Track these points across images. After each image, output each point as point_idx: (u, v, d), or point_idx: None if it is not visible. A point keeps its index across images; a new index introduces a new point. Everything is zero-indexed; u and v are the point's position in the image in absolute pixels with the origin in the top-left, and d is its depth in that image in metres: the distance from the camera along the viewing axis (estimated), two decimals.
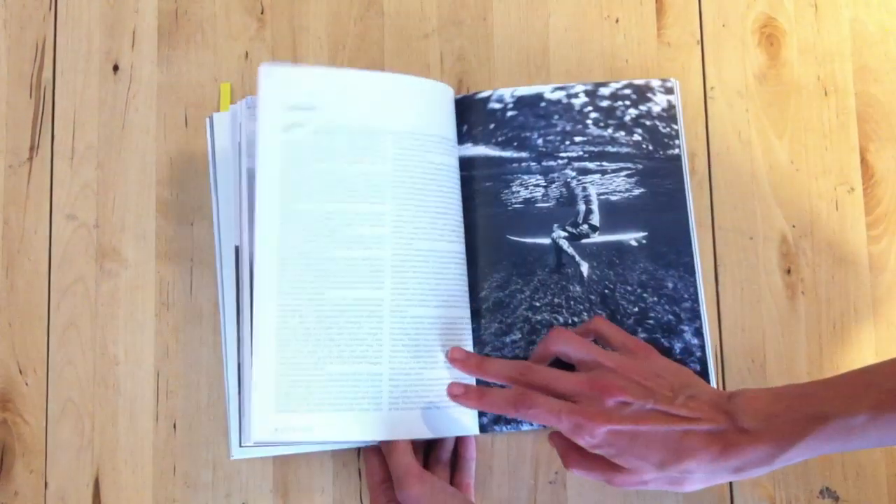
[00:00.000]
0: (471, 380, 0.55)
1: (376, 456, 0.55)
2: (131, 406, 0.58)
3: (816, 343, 0.58)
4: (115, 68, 0.62)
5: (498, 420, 0.56)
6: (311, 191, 0.54)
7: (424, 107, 0.57)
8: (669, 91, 0.59)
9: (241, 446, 0.54)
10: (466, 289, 0.57)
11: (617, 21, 0.62)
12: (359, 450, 0.57)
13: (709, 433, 0.46)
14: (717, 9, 0.62)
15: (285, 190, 0.54)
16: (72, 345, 0.59)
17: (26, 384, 0.59)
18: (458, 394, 0.53)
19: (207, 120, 0.60)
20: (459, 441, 0.56)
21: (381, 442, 0.53)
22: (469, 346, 0.56)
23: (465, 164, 0.59)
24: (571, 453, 0.50)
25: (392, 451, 0.52)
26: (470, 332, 0.56)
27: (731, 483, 0.57)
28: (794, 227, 0.60)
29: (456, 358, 0.54)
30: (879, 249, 0.60)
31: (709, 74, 0.62)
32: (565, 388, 0.49)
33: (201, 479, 0.57)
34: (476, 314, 0.57)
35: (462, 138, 0.59)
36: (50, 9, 0.63)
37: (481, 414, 0.56)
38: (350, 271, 0.54)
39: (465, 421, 0.55)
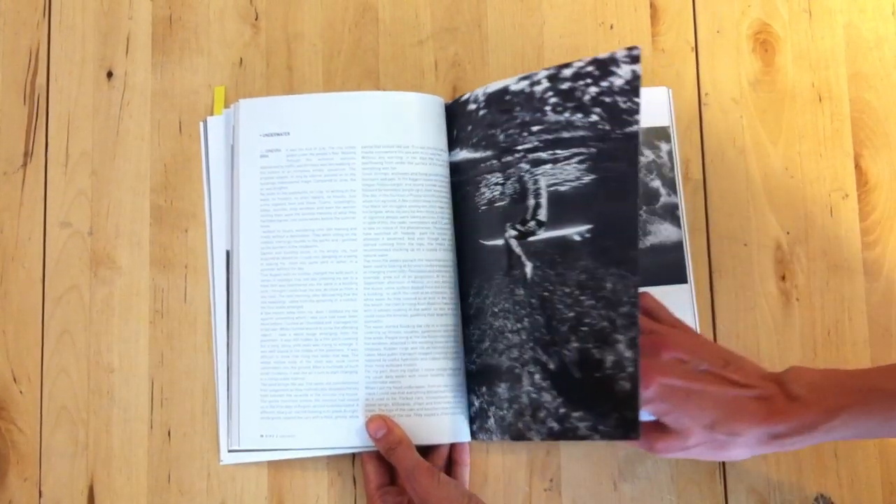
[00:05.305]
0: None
1: (373, 462, 0.55)
2: (126, 413, 0.58)
3: (811, 350, 0.58)
4: (109, 75, 0.62)
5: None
6: (286, 211, 0.57)
7: (397, 120, 0.58)
8: (635, 60, 0.51)
9: (229, 451, 0.57)
10: (454, 295, 0.57)
11: (611, 27, 0.62)
12: (353, 456, 0.57)
13: (759, 398, 0.48)
14: (712, 15, 0.62)
15: (263, 211, 0.58)
16: (66, 352, 0.59)
17: (20, 392, 0.59)
18: None
19: (202, 123, 0.61)
20: (454, 447, 0.56)
21: (381, 444, 0.53)
22: (458, 353, 0.56)
23: (455, 169, 0.58)
24: None
25: (396, 449, 0.53)
26: (459, 338, 0.56)
27: (725, 490, 0.57)
28: (788, 233, 0.60)
29: None
30: (874, 256, 0.60)
31: (703, 81, 0.62)
32: None
33: (196, 487, 0.57)
34: (467, 321, 0.57)
35: (452, 144, 0.59)
36: (44, 15, 0.63)
37: (472, 421, 0.56)
38: (325, 285, 0.56)
39: (454, 428, 0.55)
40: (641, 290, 0.54)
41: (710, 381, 0.48)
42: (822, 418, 0.46)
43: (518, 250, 0.54)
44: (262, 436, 0.55)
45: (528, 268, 0.54)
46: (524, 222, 0.54)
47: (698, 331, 0.58)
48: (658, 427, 0.49)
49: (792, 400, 0.47)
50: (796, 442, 0.47)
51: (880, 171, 0.61)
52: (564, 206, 0.54)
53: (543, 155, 0.55)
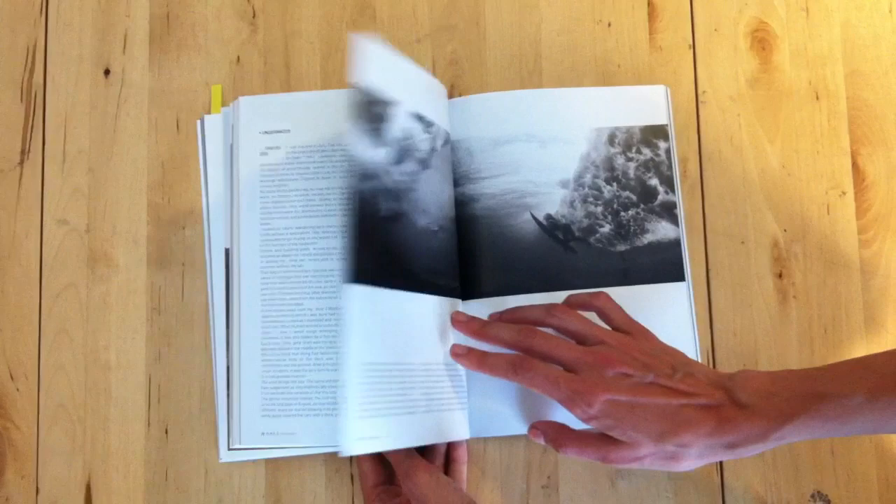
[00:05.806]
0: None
1: (370, 461, 0.55)
2: (123, 411, 0.58)
3: (808, 347, 0.59)
4: (107, 72, 0.62)
5: (488, 427, 0.56)
6: (286, 208, 0.57)
7: None
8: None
9: (229, 449, 0.56)
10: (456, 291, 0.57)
11: (609, 25, 0.62)
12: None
13: (706, 406, 0.46)
14: (709, 13, 0.62)
15: (263, 209, 0.57)
16: (63, 350, 0.59)
17: (17, 389, 0.59)
18: (461, 353, 0.53)
19: (199, 122, 0.60)
20: (451, 445, 0.56)
21: None
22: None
23: None
24: (563, 434, 0.50)
25: None
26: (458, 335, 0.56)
27: (722, 487, 0.57)
28: (785, 231, 0.60)
29: (459, 320, 0.54)
30: (871, 253, 0.60)
31: (701, 79, 0.62)
32: (566, 357, 0.49)
33: (193, 485, 0.57)
34: None
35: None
36: (41, 13, 0.63)
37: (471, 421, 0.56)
38: (324, 282, 0.56)
39: (452, 426, 0.55)
40: (600, 290, 0.54)
41: (656, 392, 0.47)
42: (772, 427, 0.45)
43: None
44: (262, 434, 0.55)
45: None
46: None
47: (696, 330, 0.58)
48: (610, 438, 0.48)
49: (740, 408, 0.46)
50: (748, 450, 0.46)
51: (877, 168, 0.61)
52: None
53: None
